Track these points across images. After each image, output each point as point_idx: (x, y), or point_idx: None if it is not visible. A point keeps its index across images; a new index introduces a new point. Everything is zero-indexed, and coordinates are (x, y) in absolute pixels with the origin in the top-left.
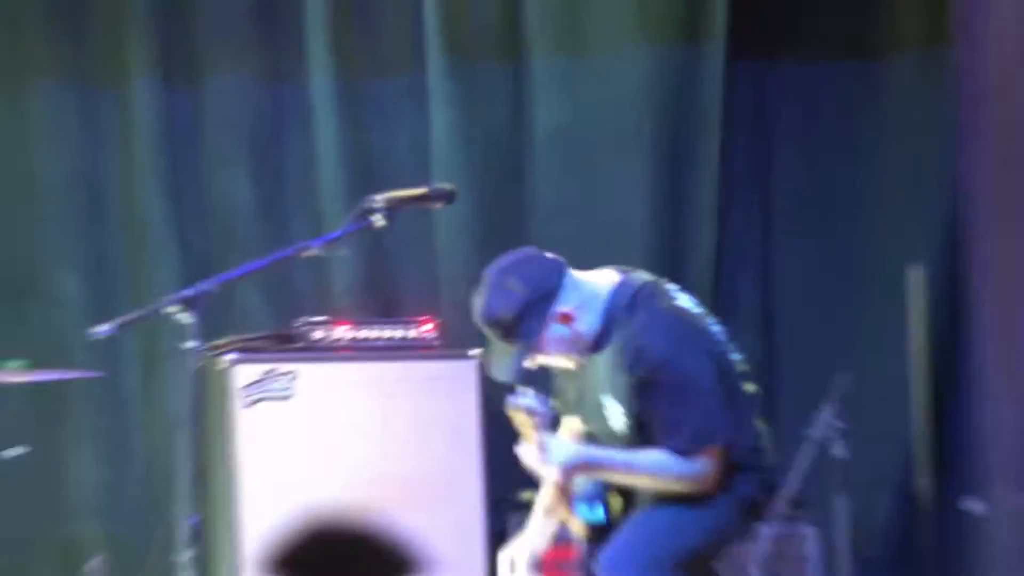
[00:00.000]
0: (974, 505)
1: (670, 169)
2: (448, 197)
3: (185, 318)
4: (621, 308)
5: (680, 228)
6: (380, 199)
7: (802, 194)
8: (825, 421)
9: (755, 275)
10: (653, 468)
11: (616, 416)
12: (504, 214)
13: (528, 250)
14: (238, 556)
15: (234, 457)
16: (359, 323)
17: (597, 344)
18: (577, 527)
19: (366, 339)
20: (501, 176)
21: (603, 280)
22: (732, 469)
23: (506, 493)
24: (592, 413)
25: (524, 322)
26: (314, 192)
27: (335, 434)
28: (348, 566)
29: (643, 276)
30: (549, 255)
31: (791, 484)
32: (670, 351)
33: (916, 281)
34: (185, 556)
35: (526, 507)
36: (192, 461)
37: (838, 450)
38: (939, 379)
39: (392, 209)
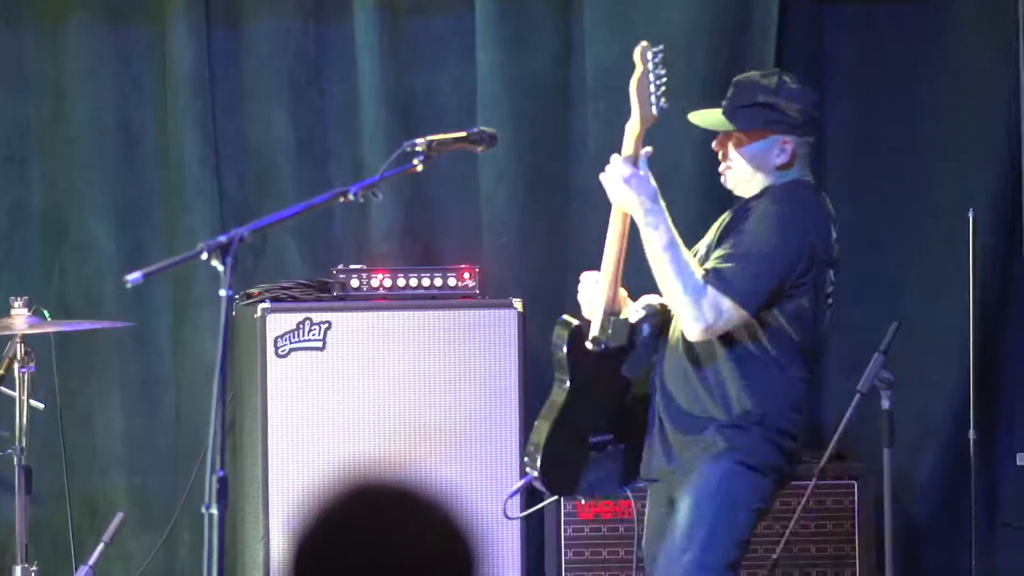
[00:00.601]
0: None
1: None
2: (490, 140)
3: (218, 266)
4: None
5: None
6: (421, 142)
7: (856, 138)
8: (874, 372)
9: None
10: (683, 270)
11: None
12: (550, 158)
13: None
14: (268, 510)
15: (266, 409)
16: (397, 271)
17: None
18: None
19: (404, 287)
20: (547, 120)
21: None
22: (768, 445)
23: None
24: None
25: (774, 113)
26: (354, 135)
27: (370, 385)
28: (388, 524)
29: None
30: None
31: (837, 436)
32: (789, 218)
33: (975, 227)
34: (213, 510)
35: None
36: (222, 413)
37: (886, 402)
38: (992, 329)
39: (433, 153)
